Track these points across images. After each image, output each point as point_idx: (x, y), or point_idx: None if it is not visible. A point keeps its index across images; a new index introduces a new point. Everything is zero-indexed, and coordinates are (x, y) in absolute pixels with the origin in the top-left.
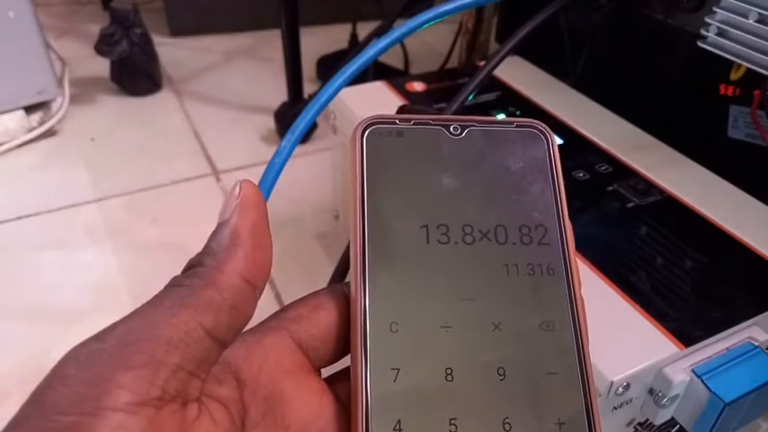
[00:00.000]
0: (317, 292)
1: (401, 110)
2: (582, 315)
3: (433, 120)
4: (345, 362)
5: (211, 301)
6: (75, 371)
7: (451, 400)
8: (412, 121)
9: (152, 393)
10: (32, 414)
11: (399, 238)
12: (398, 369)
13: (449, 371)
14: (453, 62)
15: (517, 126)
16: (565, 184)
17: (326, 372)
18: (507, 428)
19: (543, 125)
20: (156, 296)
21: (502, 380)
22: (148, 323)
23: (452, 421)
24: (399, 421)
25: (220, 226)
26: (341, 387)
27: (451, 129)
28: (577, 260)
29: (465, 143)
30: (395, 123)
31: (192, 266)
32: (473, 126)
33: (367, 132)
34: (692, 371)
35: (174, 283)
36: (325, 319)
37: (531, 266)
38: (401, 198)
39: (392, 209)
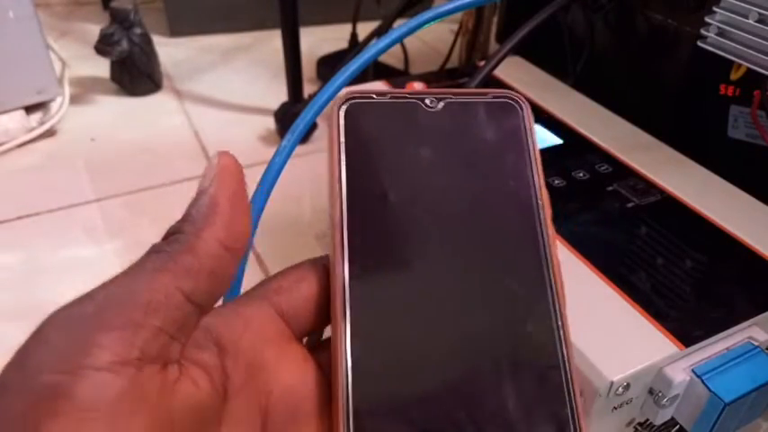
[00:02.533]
0: (300, 264)
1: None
2: (558, 279)
3: (409, 94)
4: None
5: (190, 267)
6: (55, 333)
7: (431, 366)
8: (389, 96)
9: (132, 354)
10: (15, 376)
11: (379, 211)
12: (378, 338)
13: (428, 337)
14: (453, 62)
15: (493, 97)
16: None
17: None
18: (486, 393)
19: (518, 95)
20: (137, 262)
21: (480, 344)
22: (128, 287)
23: (431, 387)
24: (379, 389)
25: (200, 194)
26: (323, 356)
27: (428, 102)
28: (554, 227)
29: (441, 116)
30: (372, 98)
31: (172, 233)
32: (449, 98)
33: (345, 107)
34: (692, 371)
35: (154, 249)
36: (306, 290)
37: (508, 234)
38: (380, 172)
39: (371, 182)
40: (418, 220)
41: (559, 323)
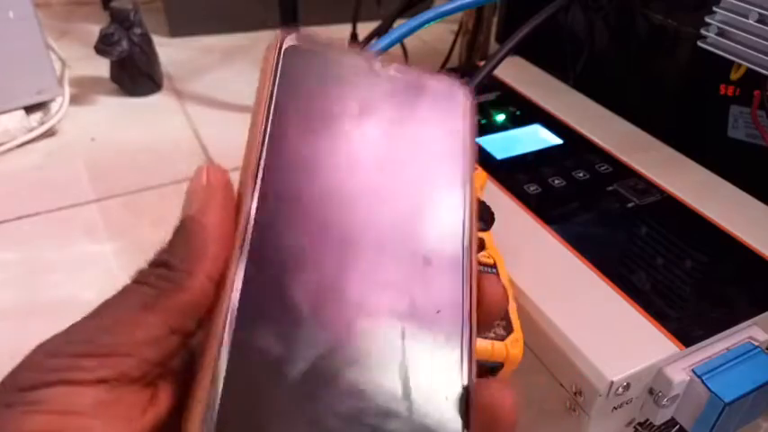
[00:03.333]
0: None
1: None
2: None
3: (358, 52)
4: None
5: (181, 306)
6: (38, 357)
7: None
8: (336, 48)
9: (112, 376)
10: None
11: (298, 160)
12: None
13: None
14: (453, 62)
15: (440, 79)
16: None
17: None
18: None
19: (464, 84)
20: (124, 293)
21: (388, 255)
22: (116, 322)
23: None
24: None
25: (188, 221)
26: None
27: (375, 62)
28: (474, 172)
29: (382, 81)
30: (318, 44)
31: (160, 264)
32: (396, 68)
33: (286, 47)
34: (692, 371)
35: (141, 280)
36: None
37: (424, 188)
38: (307, 122)
39: (296, 132)
40: (334, 176)
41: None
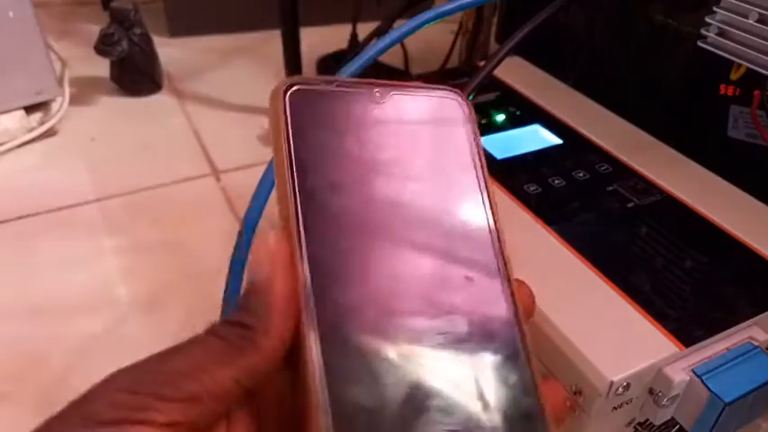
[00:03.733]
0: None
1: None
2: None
3: (355, 83)
4: None
5: (254, 364)
6: (121, 383)
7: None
8: (335, 83)
9: (181, 421)
10: (74, 414)
11: (329, 196)
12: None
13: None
14: (453, 62)
15: (436, 91)
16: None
17: None
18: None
19: (459, 92)
20: (203, 344)
21: (432, 283)
22: (195, 369)
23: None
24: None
25: (260, 284)
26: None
27: (374, 92)
28: (496, 199)
29: (387, 108)
30: (317, 85)
31: (236, 324)
32: (395, 91)
33: (290, 93)
34: (692, 371)
35: (221, 334)
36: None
37: (452, 204)
38: (327, 160)
39: (319, 170)
40: (369, 212)
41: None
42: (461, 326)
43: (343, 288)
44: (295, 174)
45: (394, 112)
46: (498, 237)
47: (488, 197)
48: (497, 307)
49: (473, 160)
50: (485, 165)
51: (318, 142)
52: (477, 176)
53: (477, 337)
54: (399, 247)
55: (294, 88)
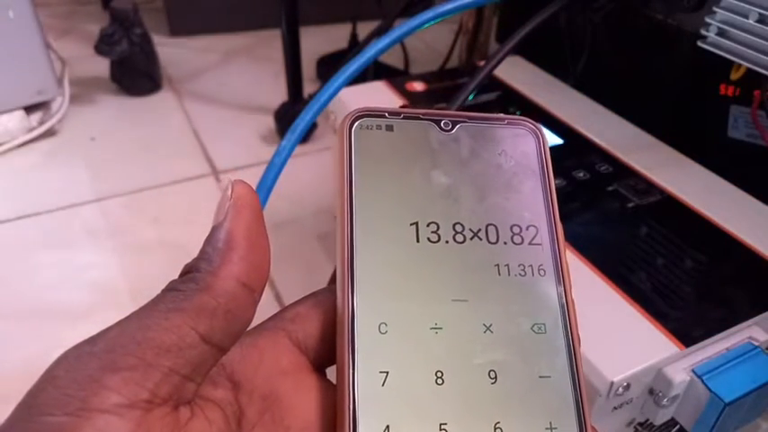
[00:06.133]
0: (316, 292)
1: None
2: (573, 317)
3: (423, 114)
4: None
5: (206, 306)
6: (64, 372)
7: (441, 403)
8: (402, 115)
9: (141, 396)
10: (21, 416)
11: (389, 236)
12: (387, 372)
13: (439, 373)
14: (453, 62)
15: (508, 123)
16: (556, 185)
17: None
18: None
19: (534, 123)
20: (152, 300)
21: (493, 383)
22: (141, 327)
23: (443, 426)
24: (388, 426)
25: (215, 229)
26: None
27: (442, 124)
28: (568, 261)
29: (455, 139)
30: (384, 116)
31: (188, 272)
32: (464, 122)
33: (355, 125)
34: (692, 371)
35: (170, 288)
36: (323, 318)
37: (523, 267)
38: (390, 194)
39: (381, 205)
40: (430, 248)
41: (574, 361)
42: (523, 376)
43: (391, 326)
44: (353, 206)
45: (461, 144)
46: (565, 289)
47: (558, 237)
48: (560, 363)
49: (544, 198)
50: (556, 203)
51: (379, 175)
52: (547, 221)
53: (537, 392)
54: (453, 287)
55: (359, 119)
